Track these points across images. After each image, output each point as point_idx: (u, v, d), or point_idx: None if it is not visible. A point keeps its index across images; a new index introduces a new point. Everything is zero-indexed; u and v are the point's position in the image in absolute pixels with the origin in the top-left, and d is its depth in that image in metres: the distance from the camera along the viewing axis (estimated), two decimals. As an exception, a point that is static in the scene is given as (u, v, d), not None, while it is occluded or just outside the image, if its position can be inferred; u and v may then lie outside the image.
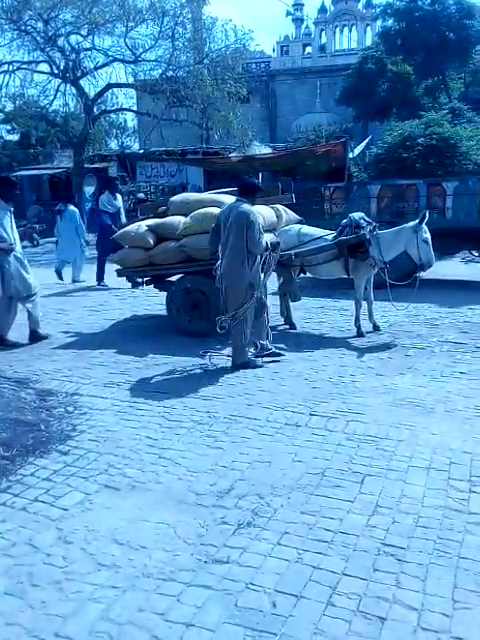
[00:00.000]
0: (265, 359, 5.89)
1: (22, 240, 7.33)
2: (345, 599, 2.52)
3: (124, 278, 7.60)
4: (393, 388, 5.11)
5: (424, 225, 6.47)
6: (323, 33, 33.15)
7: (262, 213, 6.81)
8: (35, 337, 6.99)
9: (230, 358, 5.82)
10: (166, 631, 2.37)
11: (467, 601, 2.49)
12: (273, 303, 8.04)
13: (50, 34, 19.06)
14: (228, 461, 3.80)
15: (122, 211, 11.59)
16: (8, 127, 28.91)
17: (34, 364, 6.02)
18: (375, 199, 10.31)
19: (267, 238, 6.95)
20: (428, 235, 6.53)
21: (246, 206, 5.58)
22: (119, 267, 7.39)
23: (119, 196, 11.53)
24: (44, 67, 20.44)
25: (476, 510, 3.16)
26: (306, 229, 7.30)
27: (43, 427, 4.38)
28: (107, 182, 12.37)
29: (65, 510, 3.26)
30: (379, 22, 25.44)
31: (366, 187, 10.59)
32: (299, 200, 11.61)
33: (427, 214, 6.58)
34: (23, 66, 20.03)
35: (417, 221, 6.51)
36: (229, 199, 7.12)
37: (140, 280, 7.60)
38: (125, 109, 22.76)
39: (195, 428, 4.35)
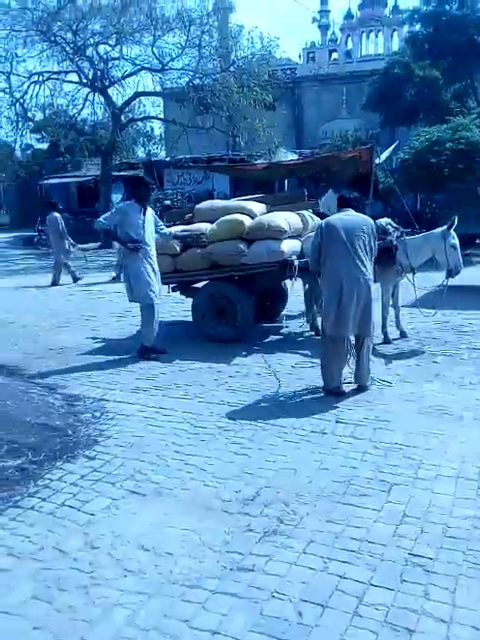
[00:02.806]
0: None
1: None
2: (372, 610, 2.49)
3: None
4: (420, 395, 5.05)
5: (452, 231, 6.39)
6: (349, 39, 33.04)
7: (288, 219, 6.82)
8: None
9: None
10: (191, 638, 2.37)
11: (497, 614, 2.44)
12: (299, 309, 8.02)
13: (79, 44, 19.37)
14: (254, 468, 3.79)
15: None
16: (38, 136, 29.41)
17: (62, 370, 6.09)
18: None
19: (295, 245, 6.96)
20: (456, 241, 6.44)
21: (363, 215, 5.34)
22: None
23: None
24: (73, 77, 20.81)
25: (506, 521, 3.10)
26: None
27: (71, 432, 4.43)
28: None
29: (92, 515, 3.29)
30: (406, 27, 25.27)
31: None
32: (452, 202, 10.71)
33: (456, 220, 6.50)
34: (53, 76, 20.38)
35: (446, 227, 6.44)
36: (257, 206, 7.15)
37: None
38: (152, 117, 22.99)
39: (221, 434, 4.35)
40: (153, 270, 6.44)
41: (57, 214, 13.04)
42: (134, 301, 6.51)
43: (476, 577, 2.67)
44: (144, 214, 6.44)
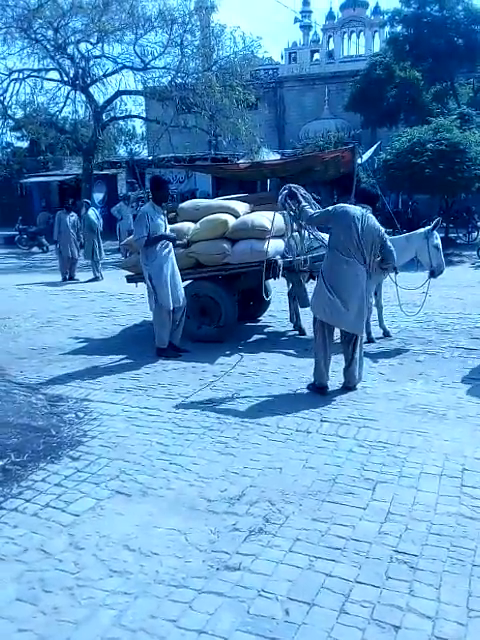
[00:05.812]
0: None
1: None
2: (358, 607, 2.50)
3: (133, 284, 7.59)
4: (404, 394, 5.09)
5: (435, 231, 6.45)
6: (331, 40, 33.16)
7: (272, 219, 6.81)
8: (176, 349, 6.53)
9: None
10: (178, 638, 2.36)
11: (482, 609, 2.47)
12: (282, 309, 8.05)
13: (60, 42, 19.18)
14: (239, 467, 3.79)
15: None
16: (18, 134, 29.07)
17: (45, 370, 6.04)
18: None
19: (279, 245, 6.97)
20: (439, 241, 6.51)
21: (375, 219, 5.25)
22: (129, 273, 7.41)
23: None
24: (54, 74, 20.57)
25: (490, 517, 3.13)
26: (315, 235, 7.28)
27: (54, 432, 4.39)
28: None
29: (76, 516, 3.27)
30: (387, 28, 25.38)
31: None
32: None
33: (440, 221, 6.57)
34: (33, 74, 20.16)
35: (429, 227, 6.50)
36: (241, 206, 7.14)
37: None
38: (134, 116, 22.84)
39: (206, 434, 4.35)
40: (174, 273, 6.32)
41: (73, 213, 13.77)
42: (156, 305, 6.24)
43: (460, 573, 2.70)
44: (164, 215, 6.33)
